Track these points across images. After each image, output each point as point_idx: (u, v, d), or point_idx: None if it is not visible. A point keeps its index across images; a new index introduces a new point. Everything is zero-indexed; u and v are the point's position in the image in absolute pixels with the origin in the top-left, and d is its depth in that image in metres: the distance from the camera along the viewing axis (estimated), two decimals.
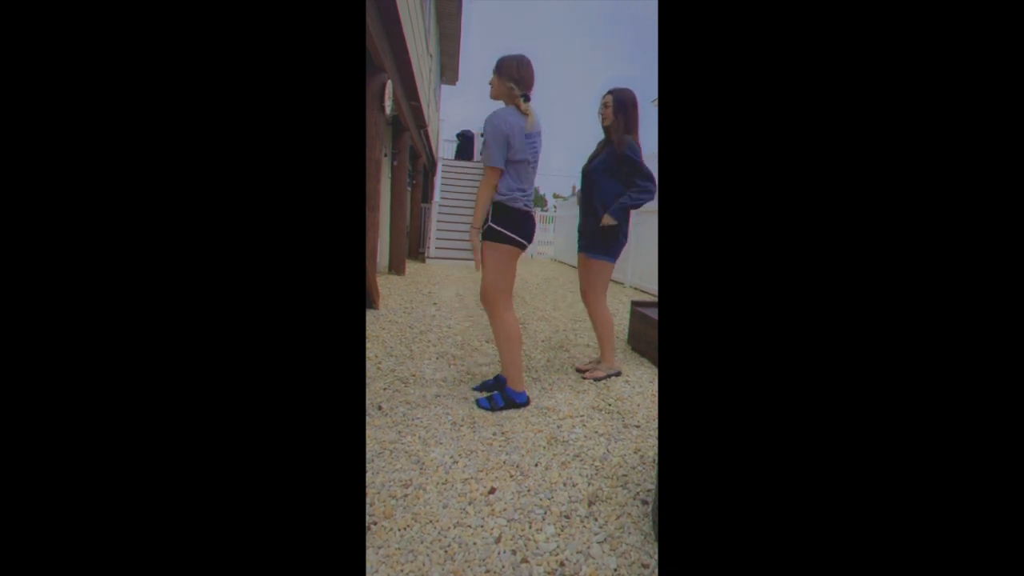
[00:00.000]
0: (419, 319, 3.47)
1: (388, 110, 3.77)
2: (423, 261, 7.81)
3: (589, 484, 1.39)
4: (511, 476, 1.41)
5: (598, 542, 1.14)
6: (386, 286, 4.81)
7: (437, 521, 1.18)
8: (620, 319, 3.51)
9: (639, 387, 2.23)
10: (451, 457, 1.50)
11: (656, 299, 3.87)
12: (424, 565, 1.04)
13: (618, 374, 2.37)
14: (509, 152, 1.78)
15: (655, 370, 2.50)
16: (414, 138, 6.34)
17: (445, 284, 5.40)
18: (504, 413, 1.86)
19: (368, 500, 1.25)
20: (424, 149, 7.93)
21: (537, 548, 1.11)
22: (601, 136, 2.33)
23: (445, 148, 11.88)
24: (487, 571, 1.03)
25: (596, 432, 1.73)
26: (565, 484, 1.38)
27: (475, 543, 1.11)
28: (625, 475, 1.44)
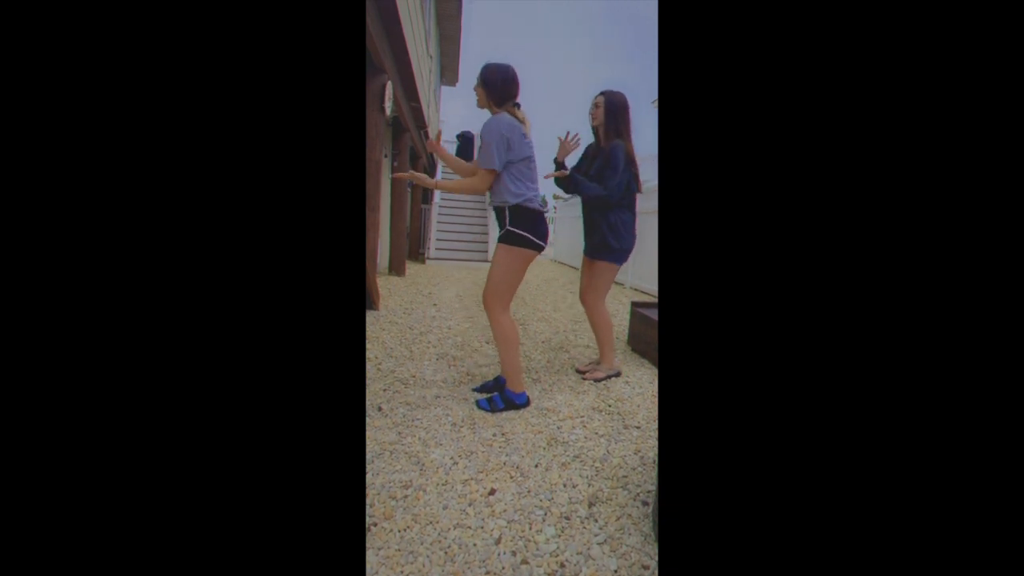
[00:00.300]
0: (419, 320, 3.47)
1: (388, 111, 3.77)
2: (423, 262, 7.81)
3: (589, 485, 1.38)
4: (511, 477, 1.41)
5: (598, 543, 1.14)
6: (386, 287, 4.81)
7: (437, 522, 1.18)
8: (620, 320, 3.51)
9: (639, 388, 2.23)
10: (451, 458, 1.50)
11: (656, 300, 3.87)
12: (424, 566, 1.03)
13: (618, 375, 2.37)
14: (510, 153, 1.78)
15: (655, 371, 2.50)
16: (414, 139, 6.35)
17: (445, 285, 5.40)
18: (504, 414, 1.86)
19: (368, 501, 1.25)
20: (424, 150, 7.93)
21: (537, 549, 1.11)
22: (591, 137, 2.33)
23: (445, 149, 11.85)
24: (487, 572, 1.03)
25: (596, 433, 1.73)
26: (565, 485, 1.38)
27: (475, 544, 1.11)
28: (625, 476, 1.44)
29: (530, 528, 1.18)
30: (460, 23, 7.97)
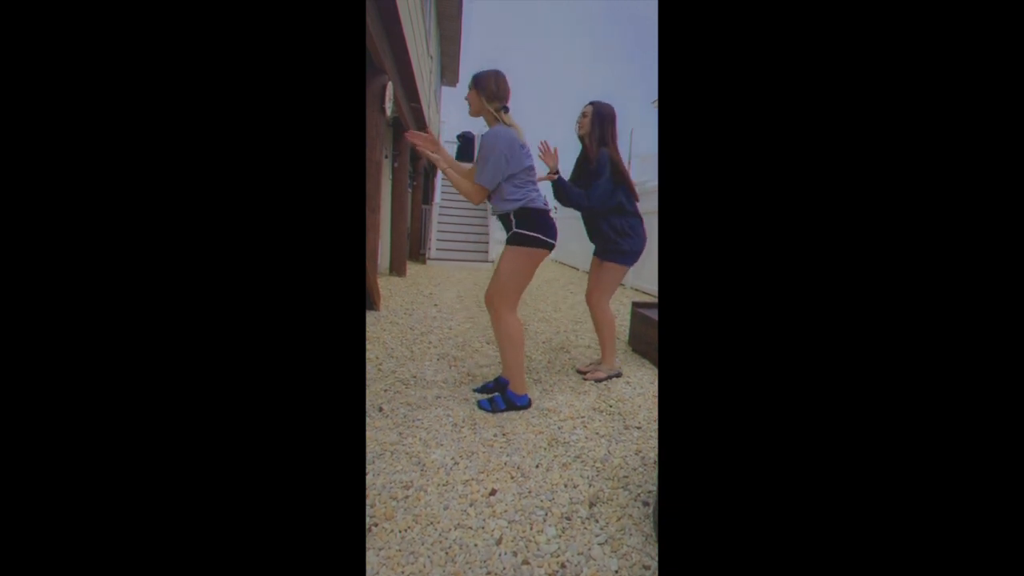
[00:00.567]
0: (420, 320, 3.47)
1: (388, 112, 3.77)
2: (424, 263, 7.81)
3: (590, 485, 1.38)
4: (512, 477, 1.41)
5: (599, 543, 1.14)
6: (387, 287, 4.81)
7: (438, 523, 1.18)
8: (621, 320, 3.51)
9: (640, 388, 2.23)
10: (452, 458, 1.50)
11: (656, 300, 3.87)
12: (425, 567, 1.03)
13: (619, 375, 2.37)
14: (509, 167, 1.77)
15: (656, 371, 2.49)
16: None
17: (446, 285, 5.40)
18: (505, 414, 1.86)
19: (369, 502, 1.25)
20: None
21: (538, 550, 1.11)
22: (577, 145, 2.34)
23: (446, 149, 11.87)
24: (488, 573, 1.03)
25: (597, 433, 1.73)
26: (566, 485, 1.38)
27: (476, 545, 1.11)
28: (626, 476, 1.44)
29: (531, 528, 1.18)
30: (460, 23, 7.97)
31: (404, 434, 1.65)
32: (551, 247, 1.87)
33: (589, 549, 1.12)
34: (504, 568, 1.04)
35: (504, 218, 1.88)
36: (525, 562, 1.06)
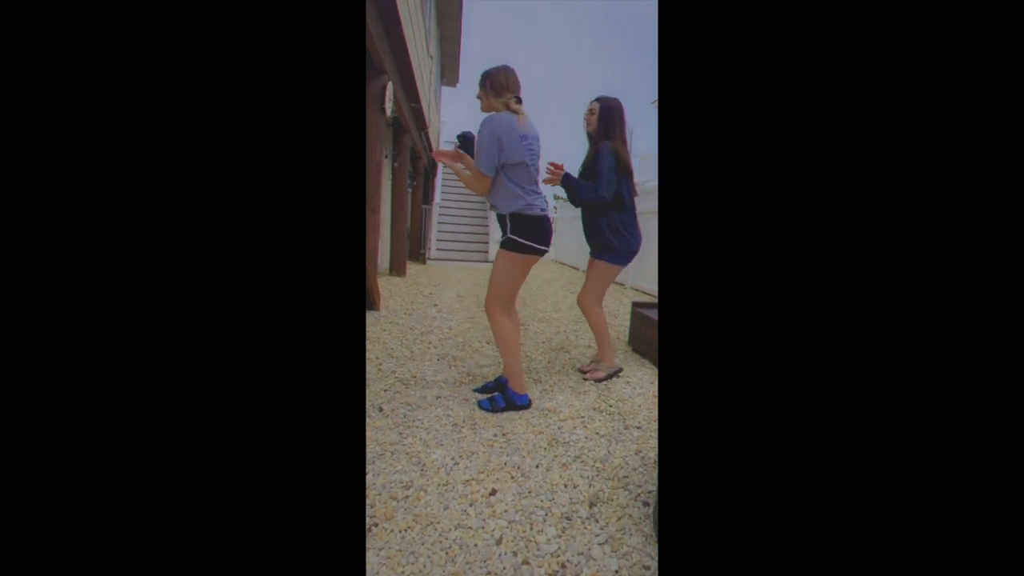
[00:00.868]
0: (420, 320, 3.47)
1: (388, 112, 3.77)
2: (424, 262, 7.81)
3: (590, 485, 1.38)
4: (512, 477, 1.40)
5: (599, 543, 1.14)
6: (387, 287, 4.81)
7: (438, 523, 1.18)
8: (621, 320, 3.51)
9: (640, 388, 2.23)
10: (452, 458, 1.50)
11: (656, 300, 3.87)
12: (425, 567, 1.03)
13: (619, 371, 2.37)
14: (502, 155, 1.76)
15: (656, 371, 2.49)
16: (415, 140, 6.35)
17: (446, 285, 5.40)
18: (505, 414, 1.86)
19: (369, 502, 1.25)
20: (425, 151, 7.93)
21: (538, 549, 1.11)
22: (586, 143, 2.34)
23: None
24: (488, 573, 1.03)
25: (597, 433, 1.73)
26: (566, 485, 1.38)
27: (476, 545, 1.11)
28: (626, 476, 1.44)
29: (531, 528, 1.18)
30: (460, 23, 7.97)
31: (404, 434, 1.65)
32: (543, 253, 1.87)
33: (589, 549, 1.12)
34: (504, 568, 1.04)
35: (500, 218, 1.89)
36: (525, 562, 1.06)
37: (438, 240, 8.38)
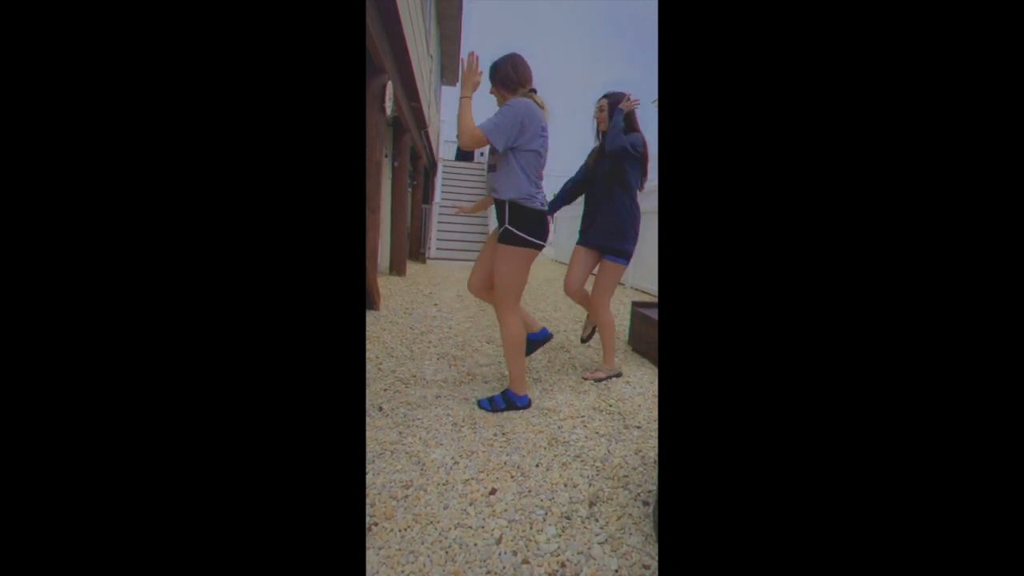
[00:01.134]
0: (420, 320, 3.47)
1: (388, 111, 3.77)
2: (424, 262, 7.81)
3: (590, 485, 1.38)
4: (512, 477, 1.41)
5: (599, 543, 1.14)
6: (387, 287, 4.81)
7: (438, 522, 1.18)
8: (621, 320, 3.51)
9: (640, 388, 2.23)
10: (452, 458, 1.50)
11: (656, 300, 3.87)
12: (425, 566, 1.03)
13: (618, 375, 2.37)
14: (520, 139, 1.71)
15: (656, 371, 2.50)
16: (415, 139, 6.35)
17: (446, 285, 5.40)
18: (505, 414, 1.86)
19: (369, 501, 1.25)
20: (425, 150, 7.93)
21: (538, 549, 1.11)
22: (594, 141, 2.33)
23: (446, 149, 11.90)
24: (488, 572, 1.03)
25: (597, 433, 1.73)
26: (566, 485, 1.38)
27: (476, 544, 1.11)
28: (626, 476, 1.44)
29: (531, 528, 1.18)
30: (460, 23, 7.97)
31: (404, 433, 1.65)
32: (541, 247, 1.85)
33: (589, 548, 1.12)
34: (504, 567, 1.04)
35: (499, 204, 1.82)
36: (525, 561, 1.06)
37: (438, 240, 8.38)
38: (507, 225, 1.79)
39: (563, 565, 1.06)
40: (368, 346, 2.68)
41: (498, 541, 1.12)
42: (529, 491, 1.34)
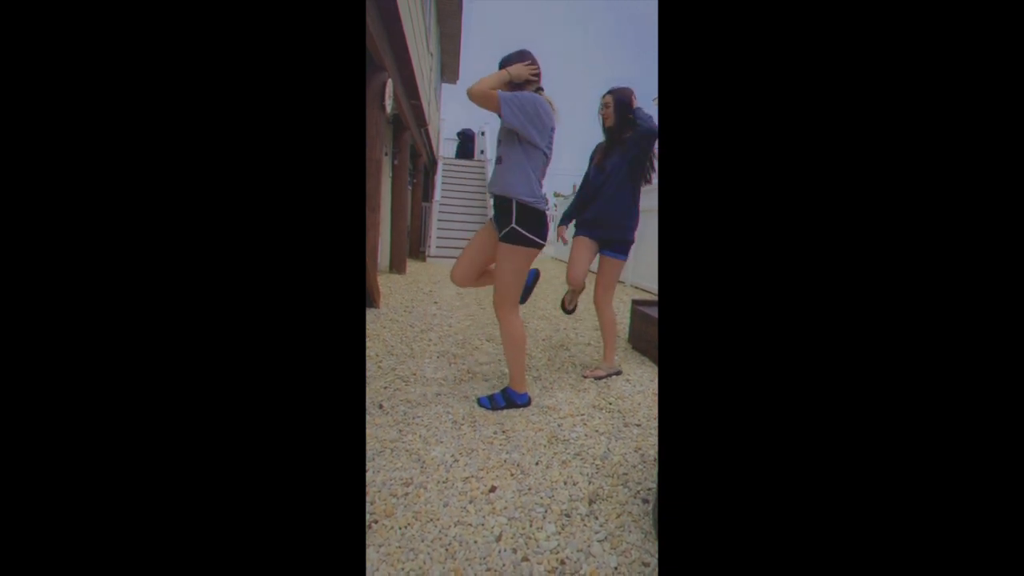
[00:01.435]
0: (420, 318, 3.47)
1: (388, 109, 3.77)
2: (424, 260, 7.81)
3: (590, 483, 1.39)
4: (512, 475, 1.41)
5: (599, 540, 1.14)
6: (387, 285, 4.81)
7: (438, 519, 1.18)
8: (621, 318, 3.51)
9: (640, 386, 2.23)
10: (452, 456, 1.50)
11: (656, 298, 3.87)
12: (425, 563, 1.04)
13: (618, 373, 2.38)
14: (530, 128, 1.70)
15: (656, 369, 2.50)
16: (415, 137, 6.34)
17: (446, 283, 5.40)
18: (505, 412, 1.86)
19: (369, 498, 1.26)
20: (425, 148, 7.93)
21: (538, 546, 1.11)
22: (599, 138, 2.33)
23: (446, 147, 11.89)
24: (488, 569, 1.03)
25: (597, 431, 1.74)
26: (566, 483, 1.38)
27: (476, 541, 1.11)
28: (626, 474, 1.44)
29: (531, 525, 1.18)
30: (461, 21, 7.95)
31: (404, 431, 1.65)
32: (542, 247, 1.85)
33: (589, 546, 1.12)
34: (504, 565, 1.05)
35: (505, 204, 1.77)
36: (525, 559, 1.07)
37: (438, 238, 8.38)
38: (514, 225, 1.76)
39: (563, 563, 1.06)
40: (368, 344, 2.68)
41: (498, 539, 1.13)
42: (529, 489, 1.34)
